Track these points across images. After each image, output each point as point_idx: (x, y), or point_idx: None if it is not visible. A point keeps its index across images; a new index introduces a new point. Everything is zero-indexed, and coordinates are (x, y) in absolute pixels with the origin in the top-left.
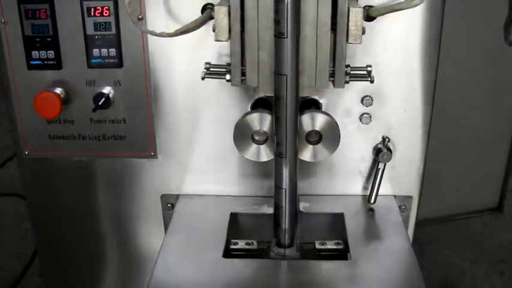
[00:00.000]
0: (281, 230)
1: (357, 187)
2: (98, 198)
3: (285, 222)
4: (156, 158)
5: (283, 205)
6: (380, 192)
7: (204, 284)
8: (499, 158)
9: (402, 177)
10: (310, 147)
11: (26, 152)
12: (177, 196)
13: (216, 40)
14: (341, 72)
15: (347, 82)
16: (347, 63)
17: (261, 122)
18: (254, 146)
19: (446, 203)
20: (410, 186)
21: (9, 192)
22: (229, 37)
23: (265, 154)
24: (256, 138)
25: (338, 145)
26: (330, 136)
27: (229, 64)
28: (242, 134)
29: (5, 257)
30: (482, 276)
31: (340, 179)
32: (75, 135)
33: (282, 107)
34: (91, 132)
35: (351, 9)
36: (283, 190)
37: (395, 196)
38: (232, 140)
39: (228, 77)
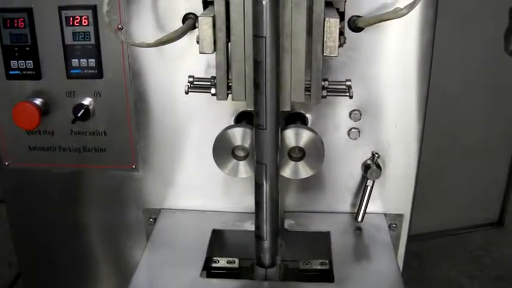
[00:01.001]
0: (262, 249)
1: (345, 204)
2: (79, 211)
3: (266, 242)
4: (137, 171)
5: (264, 227)
6: (369, 210)
7: None
8: (499, 172)
9: (393, 194)
10: (292, 163)
11: (6, 163)
12: (159, 210)
13: (201, 52)
14: (317, 86)
15: (324, 97)
16: (325, 77)
17: (243, 137)
18: (233, 161)
19: (446, 217)
20: (401, 203)
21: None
22: (215, 49)
23: (244, 171)
24: (237, 153)
25: (322, 163)
26: (313, 153)
27: (214, 77)
28: (222, 149)
29: None
30: None
31: (328, 195)
32: (55, 146)
33: (262, 119)
34: (71, 144)
35: (326, 19)
36: (264, 210)
37: (385, 214)
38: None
39: (213, 91)
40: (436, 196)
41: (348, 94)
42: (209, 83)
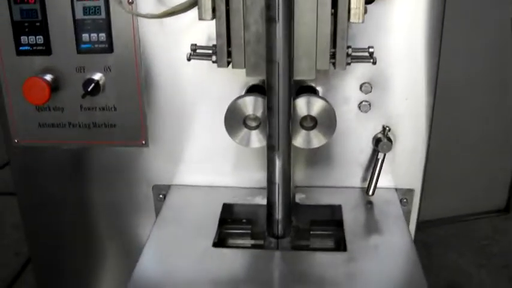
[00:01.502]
0: (274, 222)
1: (355, 179)
2: (88, 187)
3: (278, 216)
4: (147, 147)
5: (276, 201)
6: (380, 185)
7: (191, 274)
8: (506, 159)
9: (403, 169)
10: (304, 132)
11: (16, 141)
12: (169, 186)
13: (200, 19)
14: (342, 53)
15: (348, 64)
16: (348, 45)
17: (255, 106)
18: (245, 130)
19: (453, 204)
20: (412, 179)
21: (10, 191)
22: (213, 16)
23: (256, 140)
24: (248, 123)
25: (334, 131)
26: (325, 122)
27: (215, 45)
28: (233, 118)
29: (4, 254)
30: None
31: (338, 170)
32: (65, 123)
33: (274, 96)
34: (81, 120)
35: None
36: (276, 185)
37: (396, 189)
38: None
39: (214, 58)
40: (444, 183)
41: (371, 60)
42: (210, 51)
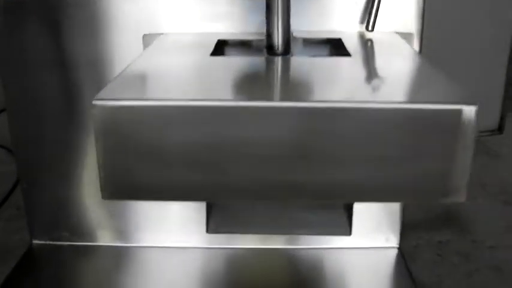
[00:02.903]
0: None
1: (353, 22)
2: (71, 42)
3: (278, 28)
4: None
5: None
6: (378, 28)
7: (190, 79)
8: (497, 77)
9: (400, 12)
10: None
11: None
12: (160, 35)
13: None
14: None
15: None
16: None
17: None
18: None
19: None
20: (410, 22)
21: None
22: None
23: None
24: None
25: None
26: None
27: None
28: None
29: None
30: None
31: (335, 13)
32: None
33: None
34: None
35: None
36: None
37: (395, 33)
38: None
39: None
40: None
41: None
42: None
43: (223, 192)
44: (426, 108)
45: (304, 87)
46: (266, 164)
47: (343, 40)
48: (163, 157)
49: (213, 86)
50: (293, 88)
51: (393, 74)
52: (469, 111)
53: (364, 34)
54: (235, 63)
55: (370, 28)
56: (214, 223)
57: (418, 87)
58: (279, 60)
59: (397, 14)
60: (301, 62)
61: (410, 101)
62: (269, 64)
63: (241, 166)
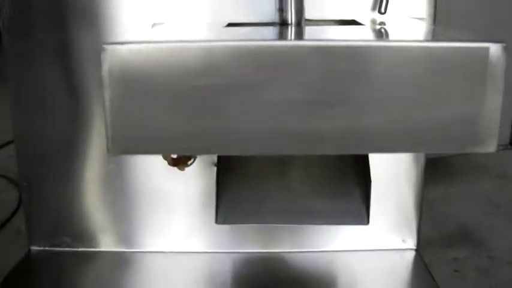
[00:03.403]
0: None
1: (365, 10)
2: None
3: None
4: None
5: None
6: (390, 14)
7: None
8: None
9: None
10: None
11: None
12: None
13: None
14: None
15: None
16: None
17: None
18: None
19: None
20: (422, 7)
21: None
22: None
23: None
24: None
25: None
26: None
27: None
28: None
29: None
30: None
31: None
32: None
33: None
34: None
35: None
36: None
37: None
38: None
39: None
40: None
41: None
42: None
43: (237, 142)
44: (452, 46)
45: (322, 34)
46: (283, 110)
47: (357, 20)
48: (174, 103)
49: (227, 32)
50: (309, 34)
51: (414, 32)
52: (497, 48)
53: (376, 19)
54: (248, 29)
55: (382, 10)
56: (222, 214)
57: (441, 33)
58: (292, 28)
59: (409, 2)
60: (316, 29)
61: (436, 39)
62: (283, 29)
63: (256, 112)
